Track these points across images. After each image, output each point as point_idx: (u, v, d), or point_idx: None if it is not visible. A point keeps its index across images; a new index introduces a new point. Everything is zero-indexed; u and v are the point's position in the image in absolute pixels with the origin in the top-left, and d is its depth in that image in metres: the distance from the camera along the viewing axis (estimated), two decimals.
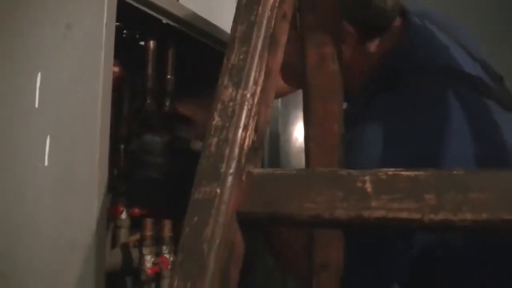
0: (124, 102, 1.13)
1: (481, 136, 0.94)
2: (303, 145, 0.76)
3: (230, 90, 0.55)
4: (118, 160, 1.10)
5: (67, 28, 0.93)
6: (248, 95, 0.55)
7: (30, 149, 0.93)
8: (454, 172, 0.48)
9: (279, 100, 1.80)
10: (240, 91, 0.55)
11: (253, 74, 0.55)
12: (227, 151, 0.53)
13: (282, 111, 1.83)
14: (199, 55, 1.28)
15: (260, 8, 0.58)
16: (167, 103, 1.17)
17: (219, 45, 1.26)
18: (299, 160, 1.78)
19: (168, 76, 1.16)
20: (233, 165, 0.53)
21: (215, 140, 0.54)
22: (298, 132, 1.89)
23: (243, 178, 0.53)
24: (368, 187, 0.49)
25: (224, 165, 0.52)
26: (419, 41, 1.06)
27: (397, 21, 1.07)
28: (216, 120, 0.54)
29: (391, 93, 0.98)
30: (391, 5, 1.00)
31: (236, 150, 0.53)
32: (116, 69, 1.02)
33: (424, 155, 0.90)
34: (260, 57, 0.56)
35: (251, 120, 0.54)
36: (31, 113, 0.94)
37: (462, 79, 1.01)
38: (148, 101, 1.11)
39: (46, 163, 0.92)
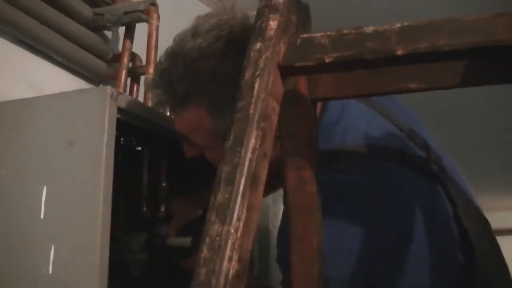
0: (120, 205, 1.21)
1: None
2: None
3: (216, 226, 0.64)
4: None
5: (70, 144, 1.02)
6: (232, 230, 0.63)
7: (36, 257, 1.01)
8: None
9: (270, 196, 1.85)
10: (226, 227, 0.63)
11: (236, 211, 0.64)
12: (214, 281, 0.61)
13: (272, 207, 1.90)
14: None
15: (243, 151, 0.67)
16: (162, 209, 1.23)
17: None
18: None
19: (163, 184, 1.23)
20: None
21: (204, 270, 0.62)
22: None
23: None
24: None
25: None
26: (334, 120, 1.05)
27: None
28: (205, 252, 0.63)
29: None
30: None
31: (222, 280, 0.61)
32: None
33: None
34: (243, 196, 0.65)
35: (234, 252, 0.63)
36: (37, 224, 1.02)
37: (381, 157, 1.01)
38: (144, 209, 1.19)
39: (50, 271, 1.00)
